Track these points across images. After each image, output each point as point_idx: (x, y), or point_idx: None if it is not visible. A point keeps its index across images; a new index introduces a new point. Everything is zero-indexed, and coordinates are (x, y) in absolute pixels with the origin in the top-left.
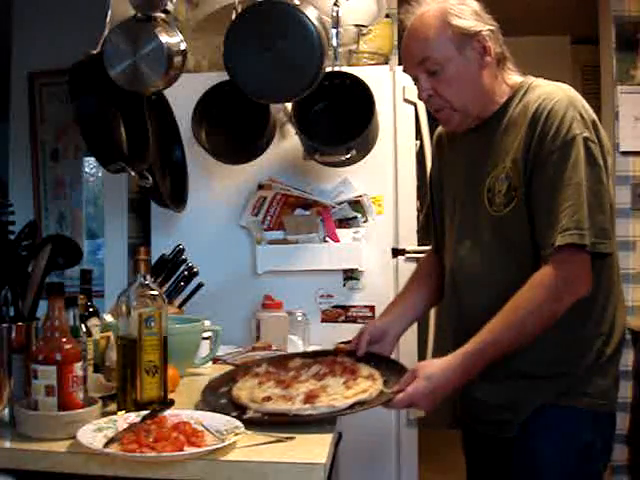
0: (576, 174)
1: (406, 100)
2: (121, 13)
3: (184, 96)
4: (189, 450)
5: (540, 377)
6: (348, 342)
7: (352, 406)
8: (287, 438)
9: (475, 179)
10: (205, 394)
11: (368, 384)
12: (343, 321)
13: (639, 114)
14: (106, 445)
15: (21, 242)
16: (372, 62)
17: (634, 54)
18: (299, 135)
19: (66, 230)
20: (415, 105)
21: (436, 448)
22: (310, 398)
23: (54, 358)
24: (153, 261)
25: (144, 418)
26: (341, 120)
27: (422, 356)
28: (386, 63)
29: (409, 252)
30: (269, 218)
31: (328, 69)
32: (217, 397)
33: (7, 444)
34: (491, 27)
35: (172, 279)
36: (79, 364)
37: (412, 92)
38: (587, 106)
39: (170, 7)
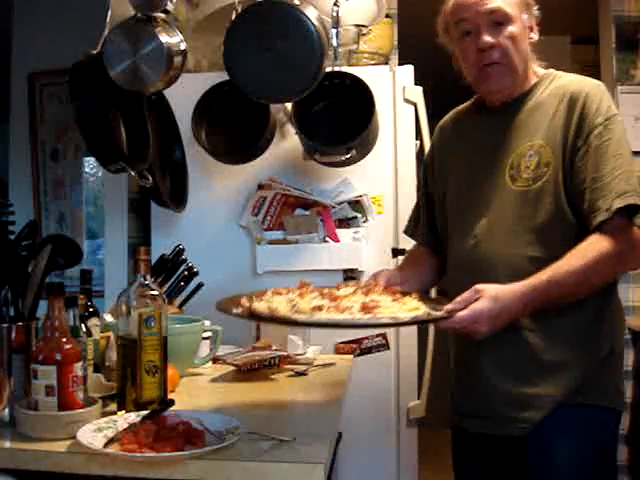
0: (622, 147)
1: (406, 100)
2: (121, 13)
3: (184, 96)
4: (189, 450)
5: (560, 372)
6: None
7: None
8: (287, 439)
9: (495, 158)
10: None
11: (419, 303)
12: None
13: (639, 114)
14: (106, 445)
15: (21, 242)
16: (372, 62)
17: (634, 54)
18: (299, 135)
19: (66, 230)
20: (415, 105)
21: (436, 448)
22: (368, 309)
23: (54, 358)
24: (153, 261)
25: (144, 418)
26: (341, 120)
27: (422, 356)
28: (386, 63)
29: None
30: (269, 218)
31: (328, 69)
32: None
33: (7, 444)
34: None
35: (172, 279)
36: (79, 364)
37: (412, 92)
38: None
39: (170, 7)
